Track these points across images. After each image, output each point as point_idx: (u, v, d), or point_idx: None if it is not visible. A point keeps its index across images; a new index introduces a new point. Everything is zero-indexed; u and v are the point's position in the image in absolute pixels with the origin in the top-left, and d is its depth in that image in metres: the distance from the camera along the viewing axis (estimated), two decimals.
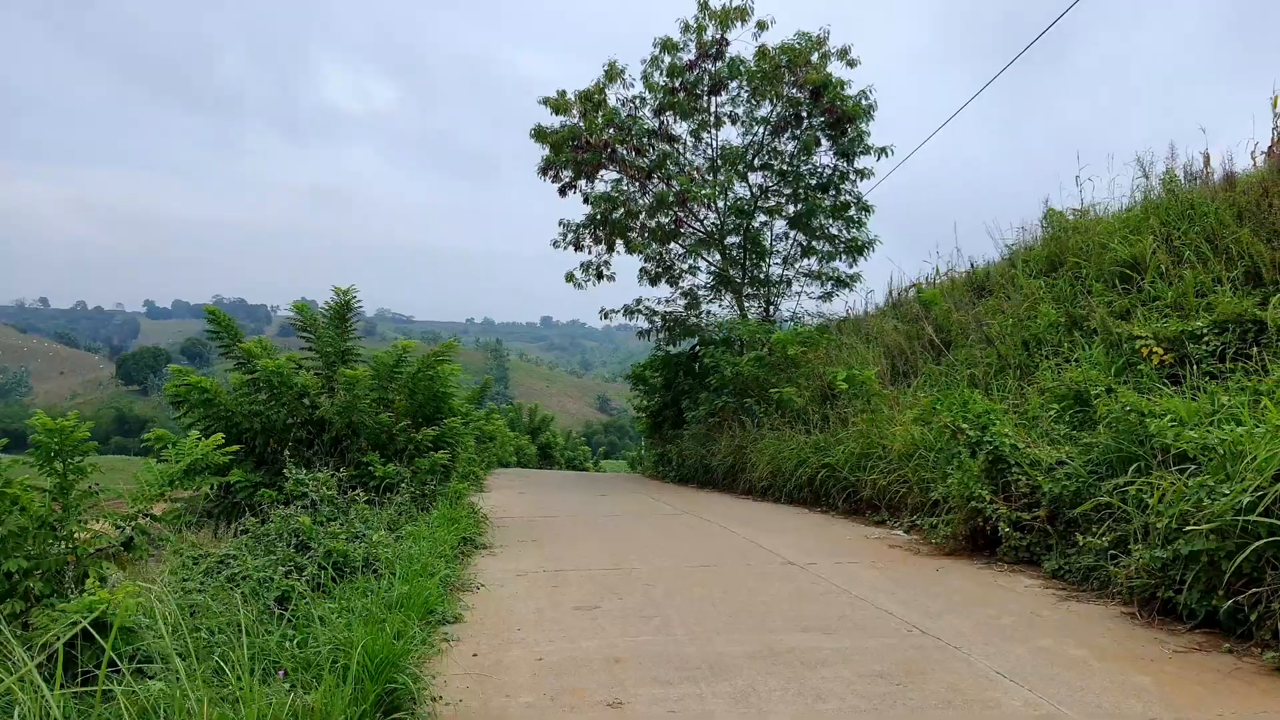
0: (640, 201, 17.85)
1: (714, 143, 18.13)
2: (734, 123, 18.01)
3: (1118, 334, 7.82)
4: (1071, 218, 11.04)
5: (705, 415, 15.34)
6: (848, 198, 17.61)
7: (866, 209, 17.49)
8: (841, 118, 16.36)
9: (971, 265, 13.39)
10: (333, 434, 7.74)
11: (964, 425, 6.92)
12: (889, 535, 8.26)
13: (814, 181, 17.86)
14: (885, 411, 9.59)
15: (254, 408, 7.90)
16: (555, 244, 18.76)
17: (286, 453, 8.11)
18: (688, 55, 17.00)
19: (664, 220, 18.40)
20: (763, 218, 18.75)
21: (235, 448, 7.94)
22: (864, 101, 16.43)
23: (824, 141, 17.10)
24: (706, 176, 17.33)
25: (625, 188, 18.04)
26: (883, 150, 16.47)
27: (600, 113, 16.92)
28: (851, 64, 16.66)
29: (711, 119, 17.96)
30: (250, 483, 7.50)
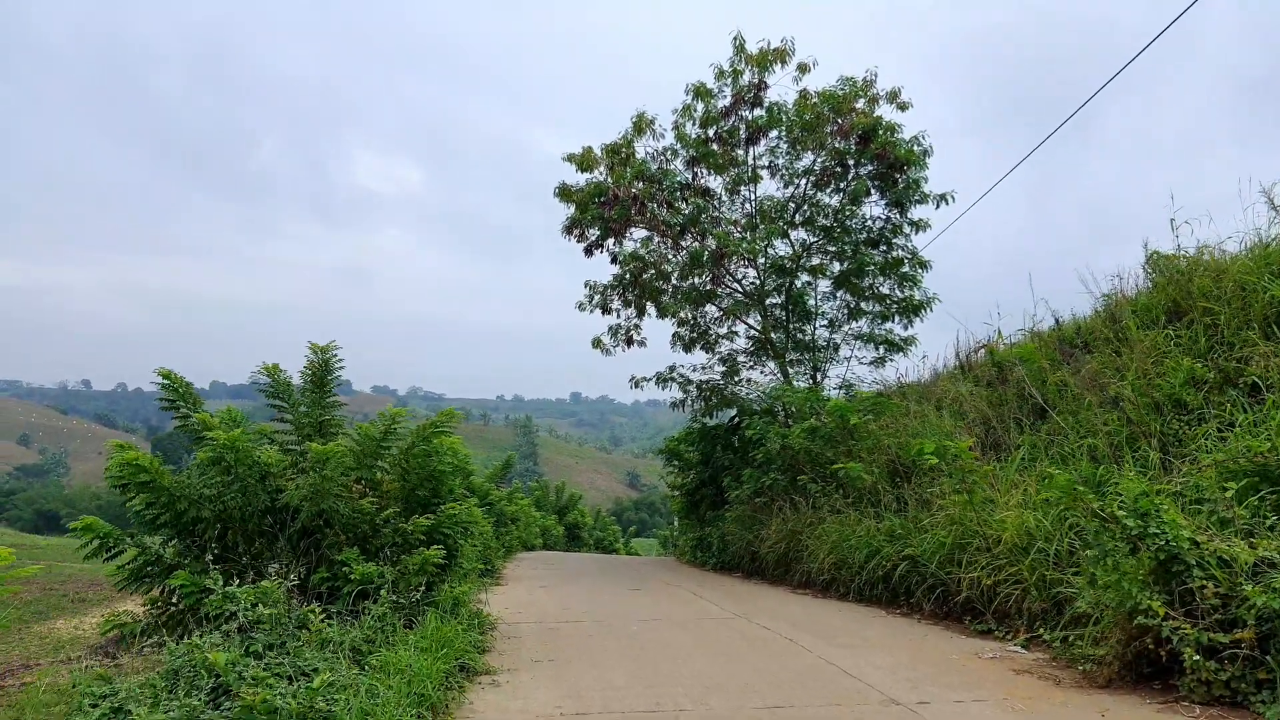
0: (672, 261, 16.43)
1: (752, 197, 16.76)
2: (773, 175, 16.66)
3: None
4: (1183, 263, 9.35)
5: (750, 495, 13.55)
6: (901, 253, 16.07)
7: (923, 264, 15.91)
8: (894, 164, 14.93)
9: (1057, 321, 11.68)
10: (299, 525, 6.13)
11: (1120, 513, 5.16)
12: (1005, 653, 6.42)
13: (863, 236, 16.38)
14: (983, 491, 7.81)
15: (206, 491, 6.35)
16: (580, 306, 17.33)
17: (242, 549, 6.55)
18: (723, 102, 15.76)
19: (698, 281, 16.95)
20: (805, 278, 17.25)
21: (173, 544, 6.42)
22: (918, 147, 15.01)
23: (873, 192, 15.65)
24: (745, 234, 15.88)
25: (656, 246, 16.66)
26: (942, 197, 14.97)
27: (628, 166, 15.64)
28: (903, 107, 15.31)
29: (749, 172, 16.63)
30: (196, 588, 5.88)
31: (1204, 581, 4.81)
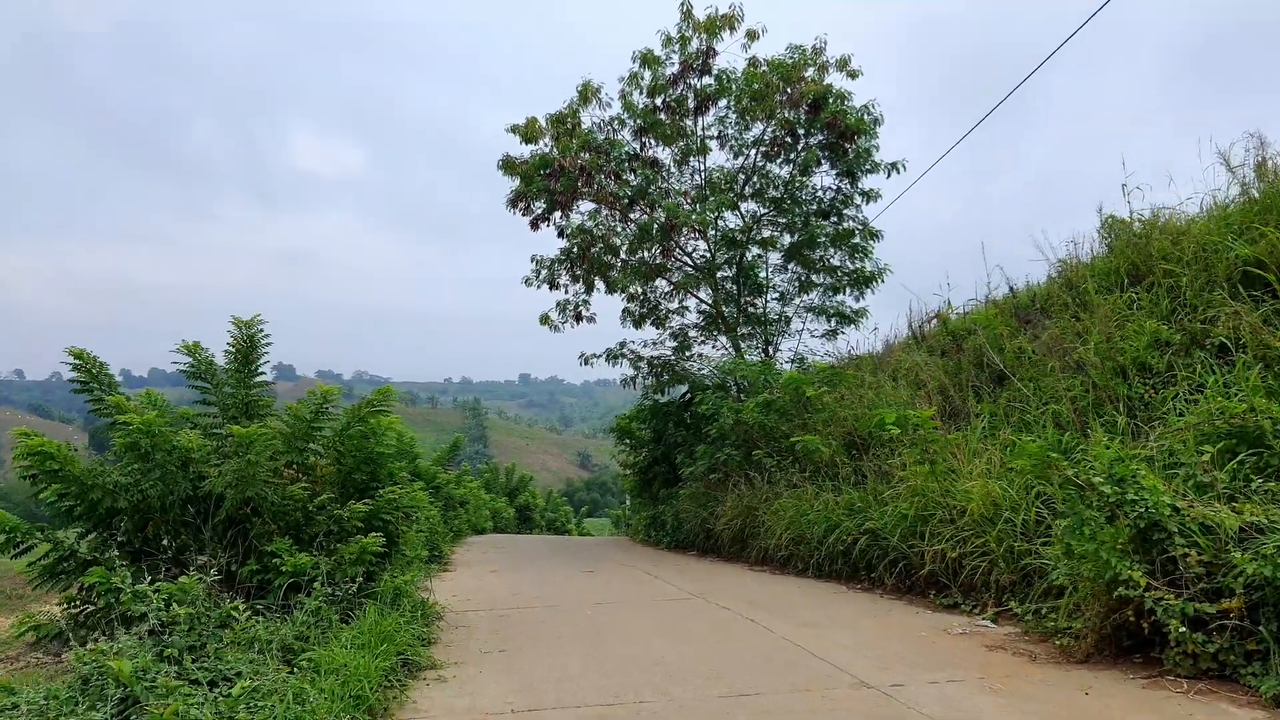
0: (621, 234, 16.00)
1: (702, 169, 16.39)
2: (723, 146, 16.30)
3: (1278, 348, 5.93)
4: (1140, 227, 9.25)
5: (704, 471, 13.29)
6: (852, 224, 15.87)
7: (874, 235, 15.73)
8: (844, 133, 14.68)
9: (1012, 289, 11.56)
10: (225, 514, 5.63)
11: (1096, 480, 4.94)
12: (975, 628, 6.22)
13: (813, 207, 16.14)
14: (945, 462, 7.61)
15: (122, 480, 5.80)
16: (527, 282, 16.82)
17: (167, 541, 6.04)
18: (671, 69, 15.31)
19: (648, 255, 16.56)
20: (756, 251, 16.97)
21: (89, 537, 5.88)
22: (868, 116, 14.78)
23: (824, 162, 15.39)
24: (694, 205, 15.51)
25: (604, 219, 16.22)
26: (893, 166, 14.78)
27: (574, 137, 15.13)
28: (853, 75, 15.03)
29: (698, 143, 16.24)
30: (111, 586, 5.34)
31: (1186, 549, 4.61)
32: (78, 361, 6.24)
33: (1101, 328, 7.74)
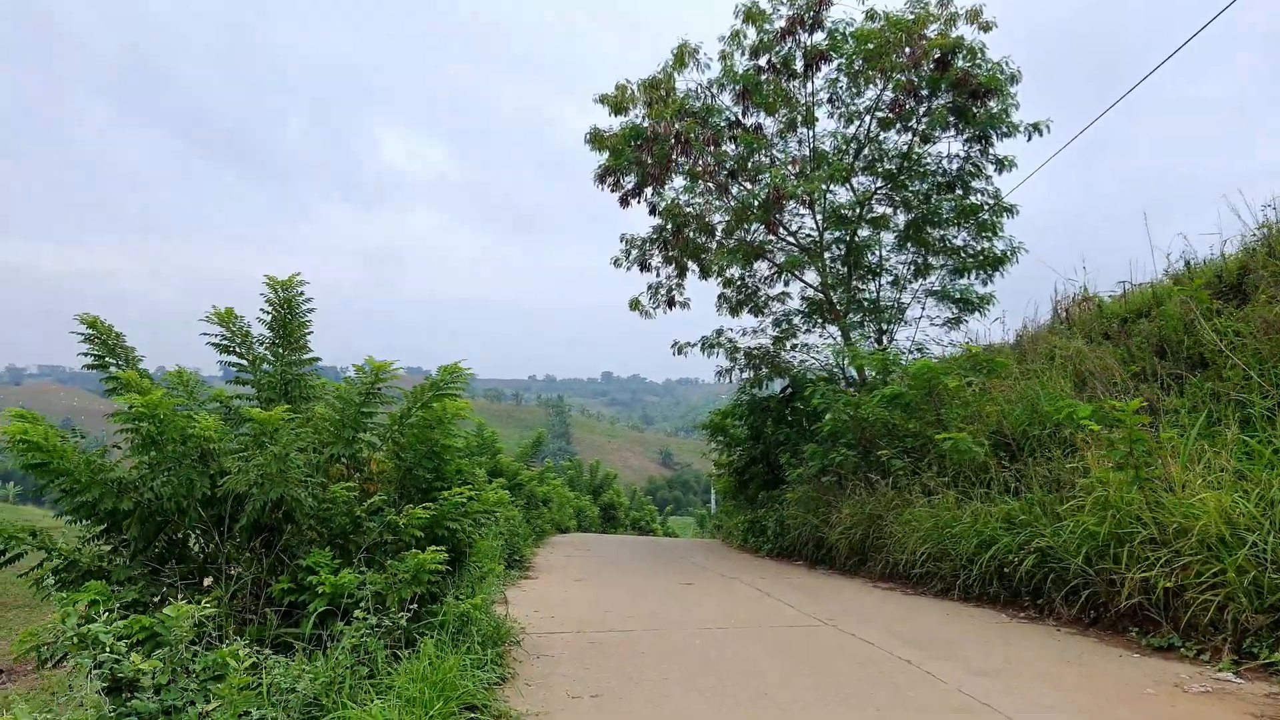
0: (721, 206, 14.61)
1: (810, 138, 14.86)
2: (834, 111, 14.73)
3: None
4: None
5: (815, 473, 11.81)
6: (980, 198, 14.11)
7: (1008, 210, 13.95)
8: (975, 92, 12.97)
9: (1188, 264, 9.74)
10: (249, 519, 4.49)
11: None
12: (1216, 683, 4.65)
13: (935, 180, 14.44)
14: (1154, 468, 6.00)
15: (125, 476, 4.72)
16: (616, 263, 15.59)
17: (197, 549, 4.99)
18: (778, 23, 13.85)
19: (747, 234, 15.14)
20: (867, 230, 15.35)
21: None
22: (1002, 73, 13.03)
23: (951, 126, 13.68)
24: (802, 176, 14.00)
25: (700, 195, 14.87)
26: (1035, 127, 12.97)
27: (668, 103, 13.81)
28: (985, 27, 13.30)
29: (805, 111, 14.72)
30: (116, 601, 4.26)
31: None
32: (90, 332, 5.20)
33: None
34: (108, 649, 2.99)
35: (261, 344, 5.61)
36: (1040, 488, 7.41)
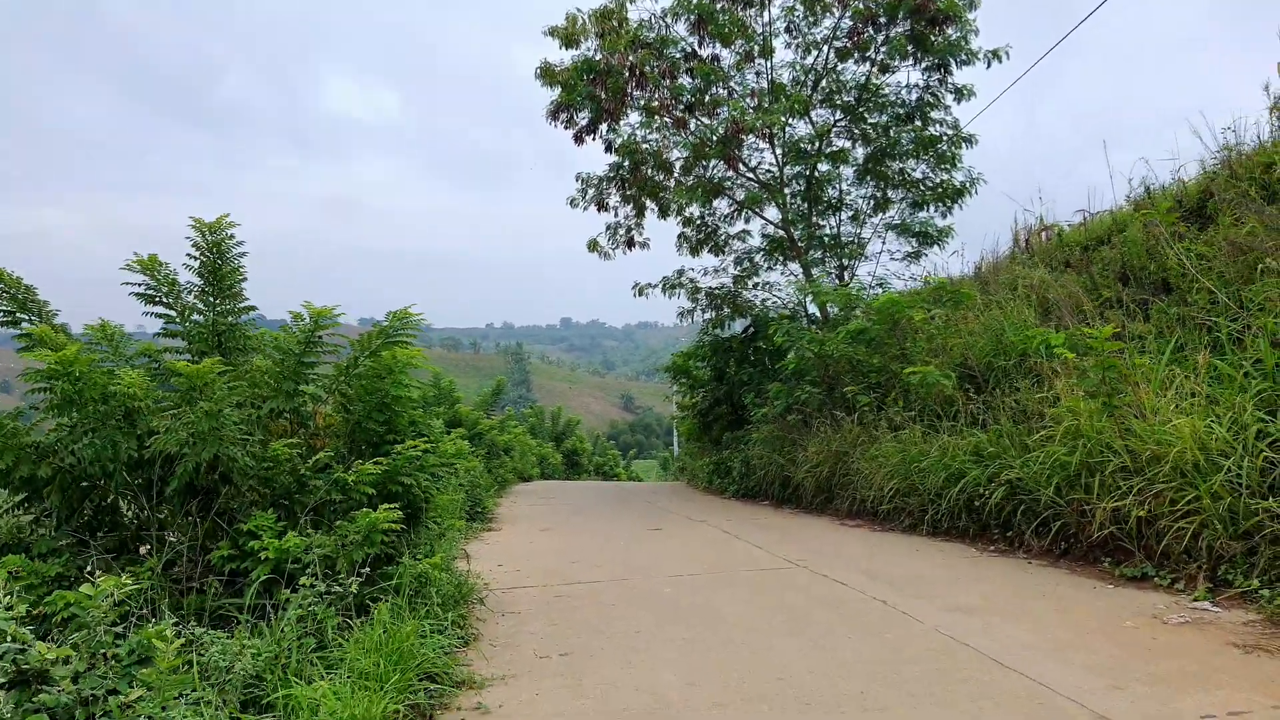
0: (680, 141, 14.19)
1: (767, 69, 14.44)
2: (790, 41, 14.31)
3: None
4: None
5: (780, 412, 11.69)
6: (940, 129, 13.88)
7: (967, 140, 13.74)
8: (934, 18, 12.63)
9: (1148, 190, 9.62)
10: (181, 481, 4.16)
11: None
12: (1195, 612, 4.60)
13: (894, 112, 14.16)
14: (1127, 394, 5.90)
15: (42, 439, 4.35)
16: (572, 202, 15.16)
17: (130, 516, 4.66)
18: None
19: (706, 171, 14.77)
20: (826, 166, 15.05)
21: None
22: None
23: (910, 55, 13.34)
24: (761, 108, 13.61)
25: (657, 131, 14.41)
26: (994, 54, 12.71)
27: (621, 34, 13.27)
28: None
29: (760, 41, 14.27)
30: (39, 576, 3.93)
31: None
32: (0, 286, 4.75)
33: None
34: (9, 637, 2.68)
35: (191, 293, 5.20)
36: (1008, 419, 7.32)
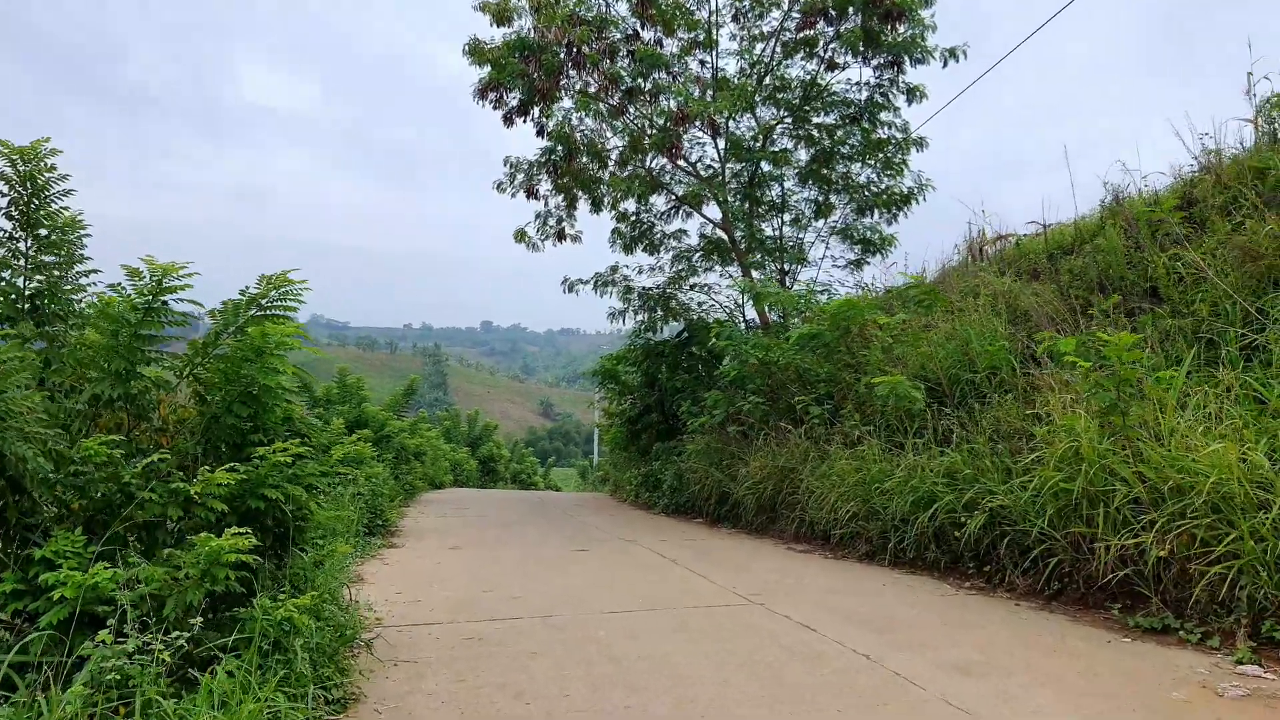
0: (619, 131, 13.23)
1: (712, 61, 13.61)
2: (736, 34, 13.52)
3: None
4: None
5: (720, 423, 10.79)
6: (890, 131, 13.25)
7: (917, 144, 13.15)
8: (888, 13, 11.99)
9: (1117, 198, 9.07)
10: None
11: None
12: (1242, 677, 3.81)
13: (840, 112, 13.49)
14: (1145, 409, 5.13)
15: None
16: (500, 187, 14.00)
17: None
18: None
19: (642, 165, 13.84)
20: (768, 166, 14.28)
21: None
22: None
23: (860, 51, 12.67)
24: (703, 97, 12.75)
25: (592, 118, 13.41)
26: (952, 53, 12.12)
27: (559, 5, 12.24)
28: None
29: (704, 29, 13.44)
30: None
31: None
32: None
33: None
34: None
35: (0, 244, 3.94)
36: (984, 438, 6.54)
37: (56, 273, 3.95)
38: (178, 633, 2.92)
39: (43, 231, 3.83)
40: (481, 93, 13.02)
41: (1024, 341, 7.44)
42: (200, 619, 3.11)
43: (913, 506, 6.66)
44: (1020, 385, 6.83)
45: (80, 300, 4.17)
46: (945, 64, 12.21)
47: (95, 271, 4.21)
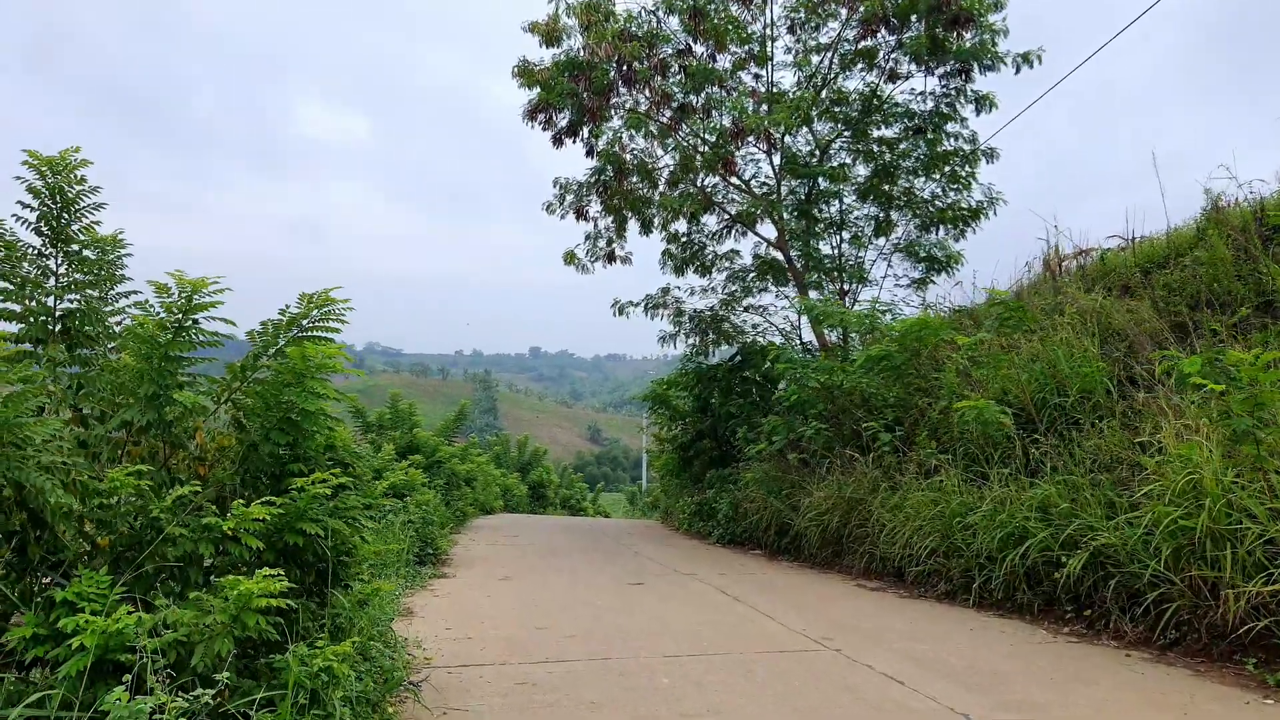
0: (670, 146, 12.89)
1: (768, 76, 13.25)
2: (794, 43, 13.14)
3: None
4: None
5: (780, 450, 10.29)
6: (956, 144, 12.72)
7: (987, 155, 12.58)
8: (956, 19, 11.51)
9: (1215, 204, 8.45)
10: None
11: None
12: None
13: (903, 124, 13.00)
14: (1271, 440, 4.56)
15: None
16: (549, 208, 13.76)
17: None
18: None
19: (693, 185, 13.49)
20: (825, 183, 13.81)
21: None
22: None
23: (925, 59, 12.20)
24: (758, 112, 12.37)
25: (644, 139, 13.11)
26: (1024, 58, 11.58)
27: (609, 22, 11.99)
28: None
29: (758, 44, 13.11)
30: None
31: None
32: None
33: None
34: None
35: (27, 259, 3.67)
36: (1081, 469, 5.97)
37: (91, 292, 3.66)
38: (200, 690, 2.56)
39: (74, 248, 3.55)
40: (530, 114, 12.81)
41: (1121, 362, 6.86)
42: (227, 673, 2.76)
43: (1001, 543, 6.10)
44: (1119, 410, 6.25)
45: (119, 323, 3.90)
46: (1018, 70, 11.67)
47: (135, 293, 3.93)
